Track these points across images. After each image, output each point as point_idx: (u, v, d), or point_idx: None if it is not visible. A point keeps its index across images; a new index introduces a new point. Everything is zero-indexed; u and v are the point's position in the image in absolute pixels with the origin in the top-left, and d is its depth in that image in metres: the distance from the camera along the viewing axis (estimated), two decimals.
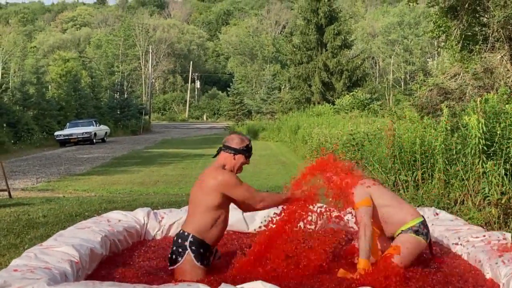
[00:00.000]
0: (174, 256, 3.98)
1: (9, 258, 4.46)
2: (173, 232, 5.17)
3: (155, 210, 5.49)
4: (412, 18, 64.05)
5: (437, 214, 5.31)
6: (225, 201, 4.07)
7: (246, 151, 4.20)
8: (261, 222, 4.75)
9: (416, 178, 8.32)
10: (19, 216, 6.71)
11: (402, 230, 4.07)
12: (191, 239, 3.96)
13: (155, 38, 75.07)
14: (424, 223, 4.12)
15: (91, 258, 3.96)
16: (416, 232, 4.04)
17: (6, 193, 9.45)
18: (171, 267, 3.99)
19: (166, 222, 5.22)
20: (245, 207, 4.17)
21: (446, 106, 13.04)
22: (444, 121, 7.82)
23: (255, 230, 4.99)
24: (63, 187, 12.13)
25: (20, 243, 5.30)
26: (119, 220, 5.02)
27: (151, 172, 15.27)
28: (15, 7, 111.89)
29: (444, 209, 6.64)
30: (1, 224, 6.17)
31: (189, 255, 3.92)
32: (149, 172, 15.26)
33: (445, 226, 4.81)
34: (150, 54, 56.91)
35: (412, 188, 8.25)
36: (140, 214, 5.23)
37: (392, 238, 4.18)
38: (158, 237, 5.15)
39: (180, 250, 3.96)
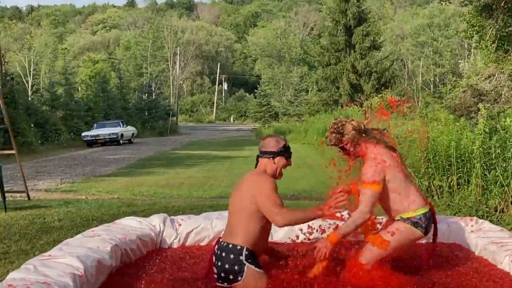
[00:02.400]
0: (231, 276, 3.61)
1: (17, 265, 4.18)
2: (191, 241, 4.83)
3: (172, 217, 5.14)
4: (442, 20, 62.96)
5: (480, 224, 4.84)
6: None
7: (285, 152, 3.90)
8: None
9: (451, 184, 7.86)
10: (34, 219, 6.47)
11: (401, 217, 3.74)
12: (246, 252, 3.63)
13: (184, 40, 75.27)
14: (426, 215, 3.75)
15: (98, 270, 3.58)
16: (415, 224, 3.71)
17: (25, 194, 9.25)
18: (229, 285, 3.66)
19: (184, 230, 4.84)
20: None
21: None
22: (482, 123, 7.34)
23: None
24: (87, 188, 11.95)
25: (31, 249, 5.03)
26: (132, 227, 4.69)
27: (176, 174, 15.03)
28: (47, 9, 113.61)
29: (483, 218, 6.19)
30: (14, 228, 5.94)
31: (249, 268, 3.60)
32: (174, 174, 15.02)
33: (489, 239, 4.36)
34: (178, 56, 57.04)
35: (447, 194, 7.79)
36: (155, 221, 4.87)
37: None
38: (175, 246, 4.78)
39: (236, 267, 3.60)
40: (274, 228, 4.08)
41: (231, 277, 3.61)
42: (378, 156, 3.72)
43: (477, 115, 13.68)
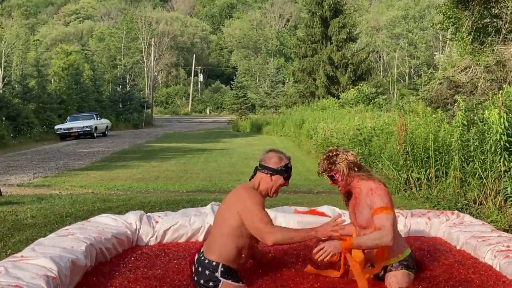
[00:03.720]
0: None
1: None
2: (168, 238, 4.69)
3: (149, 214, 4.98)
4: (417, 12, 63.41)
5: (461, 218, 4.80)
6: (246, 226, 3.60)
7: (285, 172, 3.70)
8: None
9: (430, 176, 7.86)
10: (6, 216, 6.23)
11: (393, 263, 3.59)
12: (222, 269, 3.51)
13: (158, 31, 74.54)
14: (411, 255, 3.69)
15: (72, 271, 3.42)
16: (407, 266, 3.60)
17: None
18: None
19: (161, 227, 4.67)
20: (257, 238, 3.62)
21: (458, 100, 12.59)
22: (460, 115, 7.33)
23: None
24: (60, 183, 11.70)
25: (3, 248, 4.83)
26: (108, 225, 4.52)
27: (152, 168, 14.84)
28: (18, 0, 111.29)
29: (462, 210, 6.19)
30: None
31: (225, 283, 3.49)
32: (149, 168, 14.83)
33: (471, 233, 4.32)
34: (153, 47, 56.43)
35: (426, 186, 7.79)
36: (131, 218, 4.69)
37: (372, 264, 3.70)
38: (152, 243, 4.62)
39: (211, 284, 3.50)
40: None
41: None
42: (381, 186, 3.58)
43: (453, 107, 13.77)
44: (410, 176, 8.05)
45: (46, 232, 5.26)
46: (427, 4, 58.40)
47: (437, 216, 4.89)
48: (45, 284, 3.01)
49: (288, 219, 4.85)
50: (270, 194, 3.71)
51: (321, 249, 3.47)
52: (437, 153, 7.90)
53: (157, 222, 4.75)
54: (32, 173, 13.77)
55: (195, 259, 3.66)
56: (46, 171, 14.28)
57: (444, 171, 7.73)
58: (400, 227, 4.55)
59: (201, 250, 3.67)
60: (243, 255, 3.60)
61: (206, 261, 3.55)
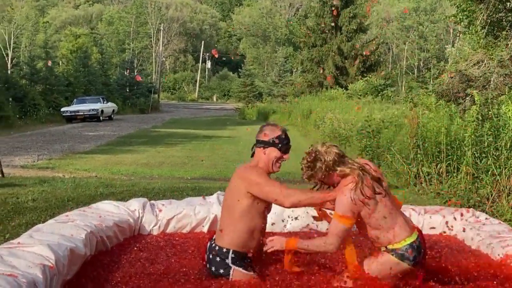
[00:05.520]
0: (217, 276, 3.45)
1: None
2: (171, 228, 4.54)
3: (153, 201, 4.83)
4: (428, 4, 62.80)
5: (477, 217, 4.62)
6: (260, 204, 3.45)
7: (278, 143, 3.49)
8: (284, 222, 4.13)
9: (440, 171, 7.68)
10: (6, 199, 6.11)
11: (386, 248, 3.37)
12: (233, 255, 3.41)
13: (167, 17, 74.17)
14: (413, 245, 3.37)
15: (70, 260, 3.26)
16: (401, 256, 3.34)
17: None
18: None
19: (165, 216, 4.53)
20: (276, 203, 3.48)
21: (470, 94, 12.35)
22: (475, 110, 7.13)
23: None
24: (64, 165, 11.61)
25: (2, 231, 4.69)
26: (109, 212, 4.37)
27: (157, 153, 14.74)
28: None
29: (475, 207, 6.01)
30: None
31: (236, 271, 3.40)
32: (154, 153, 14.72)
33: (487, 232, 4.14)
34: (162, 33, 56.18)
35: (436, 181, 7.62)
36: (134, 206, 4.55)
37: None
38: (155, 233, 4.48)
39: (222, 271, 3.41)
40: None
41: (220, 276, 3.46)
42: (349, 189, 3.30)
43: (465, 101, 13.53)
44: (420, 170, 7.87)
45: (46, 217, 5.14)
46: None
47: (451, 213, 4.71)
48: (41, 274, 2.87)
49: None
50: (270, 169, 3.52)
51: (269, 243, 3.40)
52: (448, 147, 7.72)
53: (160, 210, 4.60)
54: (36, 155, 13.68)
55: (207, 247, 3.56)
56: (50, 153, 14.19)
57: (456, 166, 7.55)
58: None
59: (213, 238, 3.57)
60: (255, 238, 3.47)
61: (217, 247, 3.46)
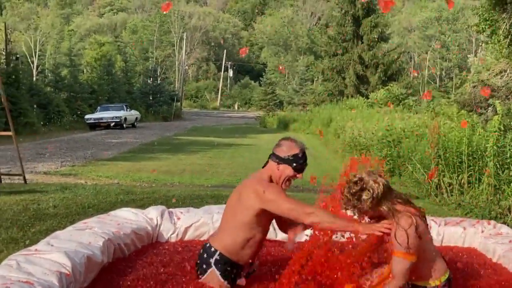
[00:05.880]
0: (198, 270, 3.49)
1: (6, 254, 3.92)
2: (189, 236, 4.56)
3: (171, 209, 4.85)
4: (451, 14, 62.24)
5: (498, 229, 4.53)
6: (265, 219, 3.41)
7: (293, 161, 3.37)
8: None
9: (462, 182, 7.58)
10: (28, 205, 6.19)
11: (426, 285, 3.25)
12: (217, 257, 3.39)
13: (190, 26, 74.80)
14: (449, 279, 3.30)
15: (87, 267, 3.27)
16: None
17: (21, 177, 9.00)
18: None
19: (183, 224, 4.55)
20: (292, 220, 3.39)
21: (492, 104, 12.19)
22: (497, 120, 7.04)
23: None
24: (86, 172, 11.72)
25: (22, 237, 4.76)
26: (128, 219, 4.40)
27: (178, 160, 14.82)
28: None
29: (496, 219, 5.91)
30: (6, 214, 5.66)
31: (212, 272, 3.39)
32: (176, 160, 14.81)
33: (509, 245, 4.07)
34: (185, 41, 56.63)
35: (457, 192, 7.52)
36: (153, 214, 4.58)
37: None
38: (173, 241, 4.49)
39: (204, 266, 3.42)
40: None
41: (198, 271, 3.49)
42: (415, 221, 3.14)
43: (487, 111, 13.38)
44: (441, 180, 7.78)
45: (66, 223, 5.20)
46: (461, 7, 57.28)
47: (472, 225, 4.64)
48: (57, 281, 2.88)
49: None
50: (280, 185, 3.42)
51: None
52: (470, 158, 7.63)
53: (179, 218, 4.62)
54: (59, 161, 13.85)
55: (203, 244, 3.60)
56: (73, 160, 14.35)
57: (477, 177, 7.46)
58: (433, 235, 4.25)
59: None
60: (248, 250, 3.40)
61: (208, 245, 3.47)
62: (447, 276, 3.29)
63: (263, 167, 3.56)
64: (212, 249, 3.41)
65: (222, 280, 3.38)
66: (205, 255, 3.43)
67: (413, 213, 3.17)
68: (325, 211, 3.27)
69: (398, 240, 3.06)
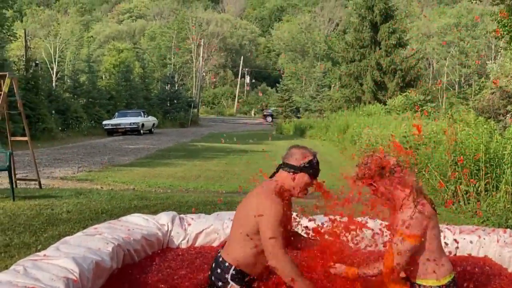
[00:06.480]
0: (214, 286, 3.36)
1: (17, 259, 3.94)
2: (200, 242, 4.53)
3: (182, 215, 4.83)
4: (470, 20, 61.70)
5: None
6: None
7: (309, 168, 3.30)
8: None
9: (479, 189, 7.46)
10: (41, 210, 6.23)
11: (432, 286, 3.16)
12: (233, 272, 3.29)
13: (208, 32, 75.13)
14: (455, 280, 3.22)
15: (95, 273, 3.24)
16: None
17: (37, 182, 9.07)
18: None
19: (193, 230, 4.51)
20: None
21: (511, 111, 12.00)
22: None
23: None
24: (103, 178, 11.78)
25: (34, 242, 4.78)
26: (138, 225, 4.38)
27: (194, 166, 14.83)
28: None
29: None
30: (19, 219, 5.70)
31: (232, 287, 3.29)
32: (191, 166, 14.82)
33: None
34: (202, 48, 56.89)
35: (474, 200, 7.40)
36: (164, 219, 4.54)
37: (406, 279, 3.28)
38: (183, 247, 4.46)
39: (220, 284, 3.30)
40: None
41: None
42: (426, 208, 3.14)
43: (505, 117, 13.19)
44: (458, 188, 7.67)
45: (79, 229, 5.22)
46: (480, 13, 56.75)
47: (487, 234, 4.53)
48: (64, 287, 2.85)
49: None
50: (296, 194, 3.33)
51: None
52: (487, 165, 7.51)
53: (189, 224, 4.58)
54: (76, 166, 13.96)
55: (215, 256, 3.49)
56: (90, 165, 14.45)
57: (495, 184, 7.34)
58: (447, 244, 4.19)
59: (219, 250, 3.49)
60: (261, 262, 3.30)
61: (221, 259, 3.35)
62: (452, 276, 3.22)
63: (270, 177, 3.48)
64: (227, 264, 3.31)
65: None
66: (218, 270, 3.33)
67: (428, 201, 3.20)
68: (289, 263, 3.17)
69: (406, 221, 3.08)
